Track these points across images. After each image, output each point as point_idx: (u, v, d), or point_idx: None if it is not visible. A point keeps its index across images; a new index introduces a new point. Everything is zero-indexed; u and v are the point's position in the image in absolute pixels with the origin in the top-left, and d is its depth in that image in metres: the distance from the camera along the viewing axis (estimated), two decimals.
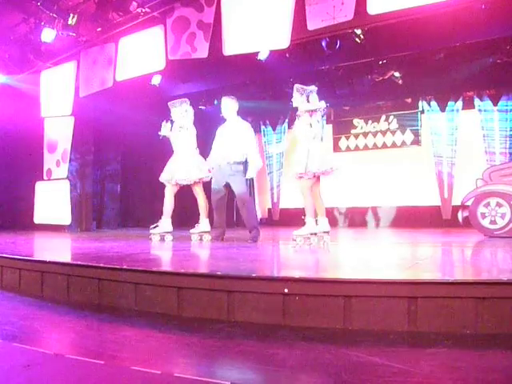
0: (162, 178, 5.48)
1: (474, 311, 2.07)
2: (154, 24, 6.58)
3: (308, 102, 4.75)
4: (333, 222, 9.84)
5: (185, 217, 7.36)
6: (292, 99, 4.84)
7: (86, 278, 2.99)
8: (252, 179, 10.68)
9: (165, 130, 5.51)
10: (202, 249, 4.53)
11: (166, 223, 5.47)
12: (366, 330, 2.14)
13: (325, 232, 4.79)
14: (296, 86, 4.83)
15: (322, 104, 4.74)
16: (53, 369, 1.76)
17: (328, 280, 2.34)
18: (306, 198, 4.79)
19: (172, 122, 5.56)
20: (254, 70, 7.16)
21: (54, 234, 7.47)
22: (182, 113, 5.50)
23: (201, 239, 5.34)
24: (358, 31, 6.08)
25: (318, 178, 4.80)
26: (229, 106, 5.28)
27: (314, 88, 4.87)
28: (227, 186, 5.17)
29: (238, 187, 5.10)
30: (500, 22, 5.39)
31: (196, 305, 2.49)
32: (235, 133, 5.17)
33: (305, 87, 4.80)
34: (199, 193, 5.46)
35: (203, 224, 5.41)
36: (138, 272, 2.75)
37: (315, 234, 4.77)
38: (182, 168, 5.35)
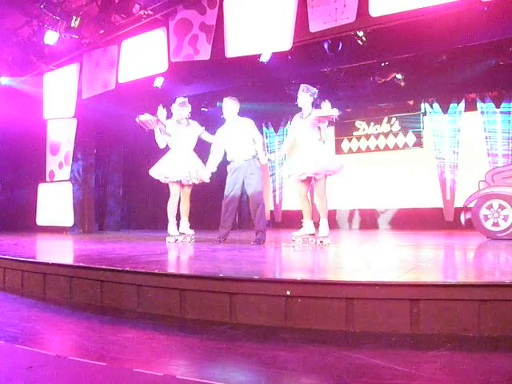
0: (170, 176, 5.44)
1: (477, 314, 2.07)
2: (157, 26, 6.59)
3: (316, 105, 4.76)
4: (335, 224, 9.89)
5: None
6: (298, 99, 4.83)
7: (88, 280, 2.99)
8: None
9: (150, 116, 5.33)
10: (204, 251, 4.53)
11: (175, 225, 5.56)
12: (368, 332, 2.14)
13: (310, 234, 4.83)
14: (302, 85, 4.81)
15: (335, 112, 4.66)
16: (55, 370, 1.76)
17: (330, 282, 2.34)
18: (302, 200, 4.81)
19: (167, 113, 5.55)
20: (256, 71, 7.16)
21: (56, 236, 7.48)
22: (187, 113, 5.55)
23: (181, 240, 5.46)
24: (360, 33, 6.08)
25: (322, 179, 4.79)
26: (231, 107, 5.29)
27: (316, 90, 4.88)
28: (242, 186, 5.18)
29: (255, 187, 5.11)
30: (502, 23, 5.38)
31: (198, 307, 2.49)
32: (241, 131, 5.19)
33: (310, 87, 4.80)
34: (188, 194, 5.51)
35: (185, 226, 5.50)
36: (140, 274, 2.75)
37: (313, 234, 4.80)
38: (188, 166, 5.40)
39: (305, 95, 4.78)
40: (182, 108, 5.50)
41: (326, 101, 4.72)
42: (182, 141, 5.49)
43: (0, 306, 3.03)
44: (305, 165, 4.71)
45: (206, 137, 5.60)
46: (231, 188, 5.19)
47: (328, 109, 4.59)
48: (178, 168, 5.41)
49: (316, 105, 4.79)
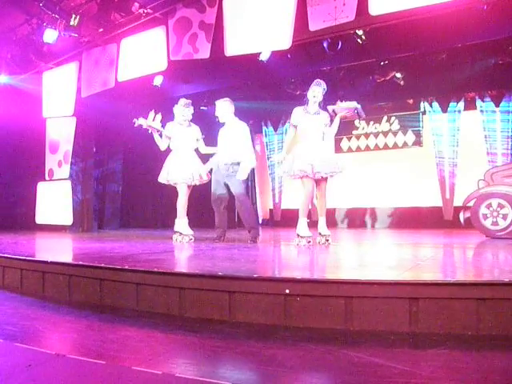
0: (178, 178, 5.40)
1: (475, 312, 2.07)
2: (156, 25, 6.58)
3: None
4: (334, 223, 9.89)
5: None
6: (311, 93, 4.73)
7: (87, 279, 2.99)
8: (253, 179, 10.72)
9: (143, 120, 5.32)
10: (204, 249, 4.53)
11: (187, 224, 5.53)
12: (367, 330, 2.14)
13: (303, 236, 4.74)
14: (317, 80, 4.75)
15: (354, 104, 4.73)
16: (54, 369, 1.76)
17: (329, 281, 2.34)
18: (310, 198, 4.77)
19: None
20: (256, 70, 7.16)
21: (55, 235, 7.48)
22: (191, 115, 5.56)
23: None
24: (360, 32, 6.08)
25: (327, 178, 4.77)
26: (224, 108, 5.29)
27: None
28: (226, 186, 5.19)
29: (236, 187, 5.12)
30: (502, 22, 5.38)
31: (197, 305, 2.49)
32: (231, 134, 5.20)
33: (323, 82, 4.77)
34: (187, 193, 5.48)
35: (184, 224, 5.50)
36: (139, 272, 2.75)
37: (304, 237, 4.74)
38: (189, 168, 5.40)
39: (319, 89, 4.72)
40: (187, 109, 5.51)
41: (340, 102, 4.75)
42: (182, 142, 5.49)
43: None
44: (318, 163, 4.58)
45: (201, 145, 5.59)
46: (214, 188, 5.24)
47: (347, 102, 4.71)
48: (180, 171, 5.40)
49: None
